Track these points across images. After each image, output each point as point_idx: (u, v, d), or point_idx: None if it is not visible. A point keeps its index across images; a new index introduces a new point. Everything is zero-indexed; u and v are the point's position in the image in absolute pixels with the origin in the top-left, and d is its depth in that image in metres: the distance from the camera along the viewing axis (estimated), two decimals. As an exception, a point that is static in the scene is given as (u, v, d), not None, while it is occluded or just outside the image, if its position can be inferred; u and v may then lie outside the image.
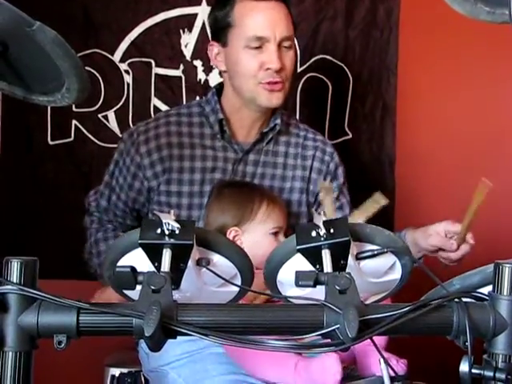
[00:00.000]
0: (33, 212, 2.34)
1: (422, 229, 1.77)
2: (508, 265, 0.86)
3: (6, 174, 2.34)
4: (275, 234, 1.71)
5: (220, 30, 1.82)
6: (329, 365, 1.30)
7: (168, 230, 0.94)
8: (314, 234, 0.97)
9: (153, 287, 0.85)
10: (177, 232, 0.94)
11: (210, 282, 1.03)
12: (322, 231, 0.96)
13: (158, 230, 0.94)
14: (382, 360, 1.27)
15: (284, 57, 1.78)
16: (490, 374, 0.84)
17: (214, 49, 1.85)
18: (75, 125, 2.35)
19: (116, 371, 2.01)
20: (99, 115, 2.36)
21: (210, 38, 1.91)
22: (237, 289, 1.02)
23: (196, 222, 1.77)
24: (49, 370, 2.26)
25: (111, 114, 2.36)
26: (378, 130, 2.47)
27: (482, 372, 0.85)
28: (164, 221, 0.94)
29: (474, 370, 0.85)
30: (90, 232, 1.95)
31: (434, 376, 1.32)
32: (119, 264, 0.97)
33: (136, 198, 1.88)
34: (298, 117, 2.42)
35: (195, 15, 2.36)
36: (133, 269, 0.88)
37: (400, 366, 1.34)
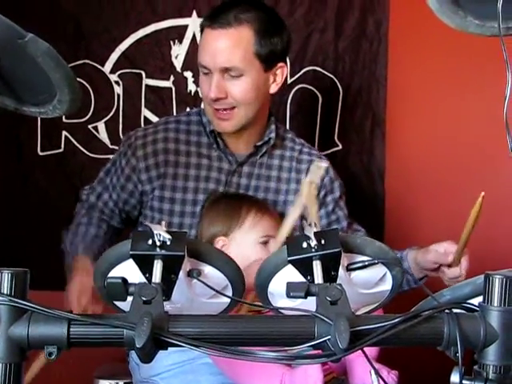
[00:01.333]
0: (23, 222, 2.34)
1: (424, 248, 1.78)
2: (498, 276, 0.86)
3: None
4: (265, 243, 1.69)
5: None
6: (310, 373, 1.31)
7: (159, 241, 0.94)
8: (304, 245, 0.97)
9: (144, 298, 0.84)
10: (168, 243, 0.94)
11: (201, 293, 1.02)
12: (313, 242, 0.96)
13: (150, 241, 0.93)
14: (372, 371, 1.28)
15: (230, 86, 1.77)
16: (481, 385, 0.85)
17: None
18: (65, 136, 2.35)
19: (105, 383, 2.00)
20: (89, 126, 2.36)
21: None
22: (228, 300, 1.02)
23: (188, 230, 1.81)
24: (38, 382, 2.26)
25: (101, 125, 2.36)
26: (367, 141, 2.48)
27: (472, 383, 0.85)
28: (155, 232, 0.94)
29: (464, 382, 0.85)
30: (77, 217, 1.93)
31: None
32: (110, 275, 0.97)
33: (127, 199, 1.88)
34: (287, 128, 2.43)
35: (186, 27, 2.37)
36: (124, 280, 0.88)
37: (391, 377, 1.34)
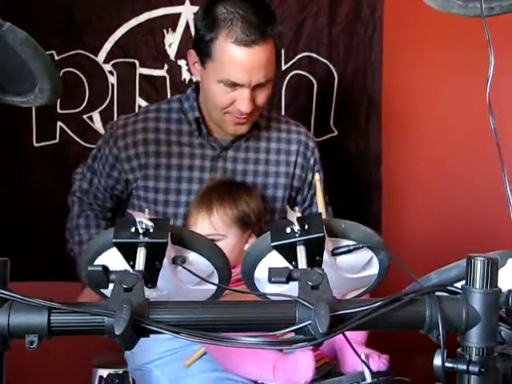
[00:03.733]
0: (19, 214, 2.33)
1: None
2: (480, 258, 0.85)
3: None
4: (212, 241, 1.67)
5: (200, 49, 1.75)
6: (302, 361, 1.31)
7: (142, 228, 0.94)
8: (288, 230, 0.97)
9: (124, 286, 0.84)
10: (151, 230, 0.94)
11: (187, 280, 1.02)
12: (296, 227, 0.96)
13: (132, 229, 0.93)
14: (362, 356, 1.28)
15: (258, 95, 1.75)
16: (464, 367, 0.84)
17: (192, 57, 1.80)
18: (60, 126, 2.34)
19: (104, 372, 2.02)
20: (84, 116, 2.35)
21: (192, 43, 1.82)
22: (215, 286, 1.02)
23: (172, 219, 1.81)
24: (37, 371, 2.28)
25: (96, 115, 2.36)
26: (363, 127, 2.48)
27: (455, 366, 0.85)
28: (138, 219, 0.94)
29: (447, 364, 0.85)
30: (72, 214, 1.98)
31: (415, 371, 1.32)
32: (96, 263, 0.97)
33: (114, 185, 1.91)
34: (283, 112, 2.42)
35: (179, 15, 2.35)
36: (105, 268, 0.88)
37: (382, 361, 1.33)
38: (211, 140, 1.86)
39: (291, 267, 0.97)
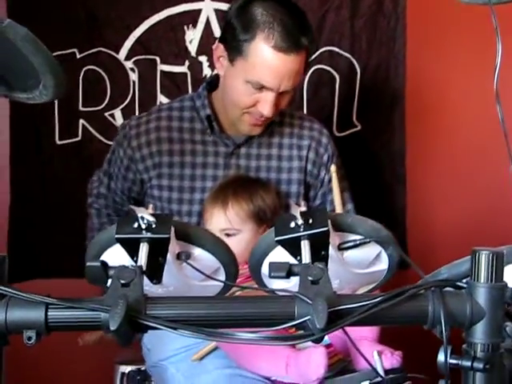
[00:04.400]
0: (42, 211, 2.35)
1: None
2: (485, 251, 0.83)
3: (16, 175, 2.35)
4: (227, 235, 1.66)
5: (231, 45, 1.72)
6: (314, 358, 1.29)
7: (144, 224, 0.93)
8: (292, 224, 0.96)
9: (122, 281, 0.84)
10: (153, 226, 0.93)
11: (192, 276, 1.02)
12: (300, 221, 0.94)
13: (135, 225, 0.93)
14: (375, 352, 1.26)
15: (281, 99, 1.74)
16: (468, 364, 0.82)
17: (218, 51, 1.77)
18: (82, 124, 2.36)
19: (126, 368, 2.02)
20: (106, 114, 2.36)
21: (219, 37, 1.81)
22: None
23: (187, 217, 1.80)
24: (60, 367, 2.30)
25: (118, 113, 2.37)
26: (387, 121, 2.45)
27: (459, 362, 0.83)
28: (139, 215, 0.93)
29: (451, 361, 0.83)
30: (92, 226, 1.97)
31: (430, 368, 1.29)
32: (102, 259, 0.97)
33: (131, 187, 1.89)
34: (305, 110, 2.40)
35: (199, 11, 2.35)
36: (104, 263, 0.87)
37: (395, 358, 1.31)
38: (224, 137, 1.85)
39: (296, 262, 0.95)
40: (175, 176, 1.82)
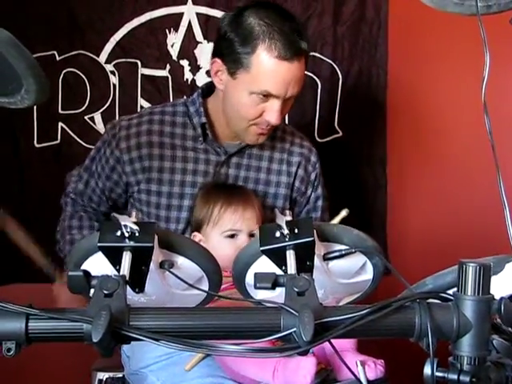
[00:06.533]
0: (21, 215, 2.31)
1: None
2: (472, 264, 0.82)
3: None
4: (232, 236, 1.68)
5: (230, 59, 1.70)
6: (303, 365, 1.28)
7: (127, 232, 0.92)
8: (277, 234, 0.95)
9: (105, 291, 0.82)
10: (137, 234, 0.92)
11: (175, 285, 1.00)
12: (285, 231, 0.93)
13: (118, 233, 0.92)
14: (358, 362, 1.25)
15: (285, 105, 1.75)
16: (454, 376, 0.81)
17: (216, 66, 1.74)
18: (61, 127, 2.33)
19: (103, 375, 2.00)
20: (85, 117, 2.34)
21: (214, 52, 1.78)
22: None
23: (175, 223, 1.79)
24: (37, 374, 2.27)
25: (97, 116, 2.34)
26: (368, 128, 2.45)
27: (446, 375, 0.82)
28: (122, 223, 0.92)
29: (438, 373, 0.82)
30: (65, 215, 1.94)
31: (415, 376, 1.29)
32: (83, 267, 0.95)
33: (113, 188, 1.87)
34: (286, 116, 2.39)
35: (181, 14, 2.34)
36: (86, 273, 0.86)
37: (378, 368, 1.30)
38: (216, 146, 1.84)
39: (281, 272, 0.94)
40: (165, 181, 1.80)
